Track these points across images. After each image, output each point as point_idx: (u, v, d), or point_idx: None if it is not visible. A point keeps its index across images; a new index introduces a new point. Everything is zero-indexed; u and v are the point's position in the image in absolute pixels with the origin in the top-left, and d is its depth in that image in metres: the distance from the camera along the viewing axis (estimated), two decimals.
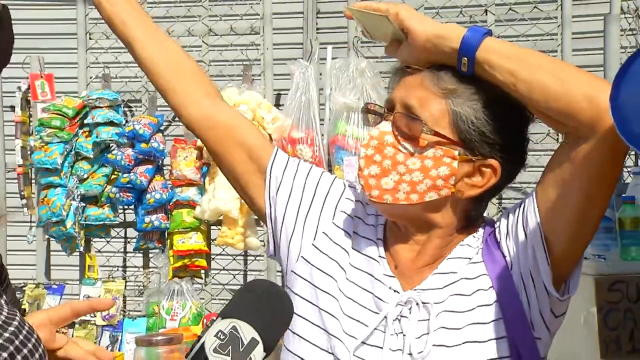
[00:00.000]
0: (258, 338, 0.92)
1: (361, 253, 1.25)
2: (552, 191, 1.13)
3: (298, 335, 1.22)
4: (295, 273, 1.27)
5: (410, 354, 1.15)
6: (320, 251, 1.26)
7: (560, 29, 2.91)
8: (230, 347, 0.90)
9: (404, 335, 1.17)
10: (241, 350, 0.91)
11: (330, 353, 1.18)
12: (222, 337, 0.91)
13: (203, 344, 0.91)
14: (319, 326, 1.21)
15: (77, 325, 3.02)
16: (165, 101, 1.36)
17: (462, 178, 1.19)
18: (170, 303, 2.84)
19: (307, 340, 1.21)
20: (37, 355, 0.86)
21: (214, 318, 0.93)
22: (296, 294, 1.25)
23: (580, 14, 3.26)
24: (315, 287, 1.23)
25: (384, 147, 1.18)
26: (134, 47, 1.34)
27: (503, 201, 3.16)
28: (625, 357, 2.11)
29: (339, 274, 1.23)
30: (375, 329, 1.18)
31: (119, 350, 2.80)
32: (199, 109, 1.32)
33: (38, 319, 1.05)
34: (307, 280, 1.25)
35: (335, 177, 1.34)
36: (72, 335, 3.00)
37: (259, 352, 0.91)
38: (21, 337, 0.87)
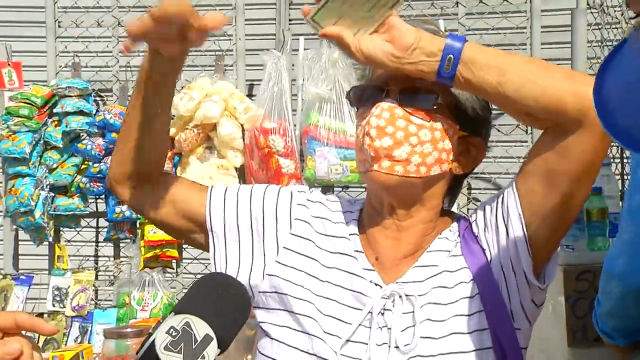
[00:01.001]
0: (212, 334, 0.88)
1: (333, 252, 1.22)
2: (535, 181, 1.14)
3: (276, 340, 1.20)
4: (262, 292, 1.24)
5: (397, 347, 1.14)
6: (285, 265, 1.24)
7: (529, 22, 2.92)
8: (182, 344, 0.87)
9: (389, 328, 1.15)
10: (194, 347, 0.87)
11: (312, 354, 1.16)
12: (174, 333, 0.87)
13: (154, 341, 0.87)
14: (297, 330, 1.18)
15: (45, 316, 2.97)
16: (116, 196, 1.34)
17: (458, 154, 1.22)
18: (141, 294, 2.79)
19: (286, 344, 1.19)
20: None
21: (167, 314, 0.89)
22: (269, 309, 1.22)
23: (549, 8, 3.28)
24: (285, 294, 1.21)
25: (396, 119, 1.18)
26: (153, 126, 1.25)
27: (473, 191, 3.17)
28: (592, 345, 2.13)
29: (310, 281, 1.21)
30: (359, 324, 1.16)
31: (89, 342, 2.75)
32: (147, 214, 1.32)
33: None
34: (275, 292, 1.22)
35: (280, 187, 1.31)
36: None
37: (212, 348, 0.88)
38: None
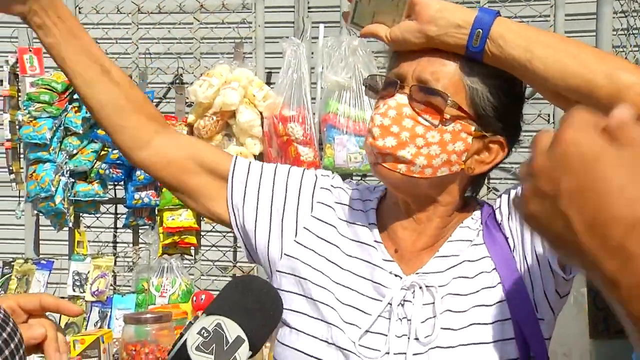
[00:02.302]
0: (244, 336, 0.86)
1: (354, 240, 1.19)
2: None
3: (295, 329, 1.17)
4: (280, 272, 1.21)
5: (417, 339, 1.10)
6: (305, 247, 1.20)
7: (553, 10, 2.85)
8: (214, 345, 0.85)
9: (408, 320, 1.12)
10: (225, 348, 0.85)
11: (330, 343, 1.13)
12: (205, 334, 0.85)
13: (185, 341, 0.85)
14: (316, 317, 1.15)
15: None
16: (113, 142, 1.28)
17: (473, 155, 1.15)
18: (159, 280, 2.79)
19: (304, 333, 1.15)
20: (16, 340, 0.80)
21: (198, 314, 0.88)
22: (286, 291, 1.19)
23: None
24: (305, 279, 1.18)
25: (402, 119, 1.13)
26: (75, 83, 1.24)
27: (492, 181, 3.12)
28: (613, 336, 2.10)
29: (330, 267, 1.17)
30: (379, 315, 1.12)
31: (108, 327, 2.75)
32: (150, 150, 1.26)
33: (7, 304, 0.98)
34: (294, 275, 1.19)
35: (304, 169, 1.28)
36: None
37: (244, 351, 0.86)
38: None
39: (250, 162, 1.28)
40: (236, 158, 1.28)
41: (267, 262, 1.24)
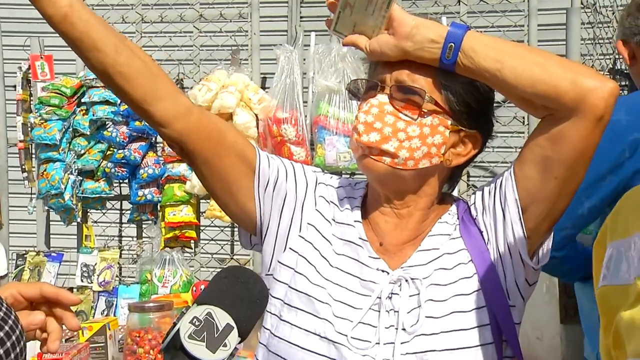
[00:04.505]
0: (233, 324, 0.87)
1: (342, 239, 1.20)
2: (531, 168, 1.12)
3: (288, 322, 1.17)
4: (281, 263, 1.20)
5: (404, 329, 1.12)
6: (306, 240, 1.20)
7: (527, 20, 2.88)
8: (205, 333, 0.86)
9: (396, 311, 1.13)
10: (216, 336, 0.86)
11: (323, 337, 1.13)
12: (197, 323, 0.86)
13: (178, 330, 0.86)
14: (308, 312, 1.16)
15: (75, 290, 2.97)
16: (146, 116, 1.13)
17: (450, 148, 1.18)
18: (162, 271, 2.79)
19: (297, 327, 1.16)
20: (17, 332, 0.79)
21: (189, 305, 0.89)
22: (282, 282, 1.19)
23: (545, 7, 3.23)
24: (300, 274, 1.18)
25: (384, 115, 1.15)
26: (105, 52, 1.08)
27: (471, 179, 3.14)
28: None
29: (321, 262, 1.18)
30: (369, 308, 1.14)
31: (114, 315, 2.76)
32: (191, 119, 1.14)
33: (9, 292, 0.97)
34: (292, 269, 1.19)
35: (303, 166, 1.26)
36: None
37: (233, 337, 0.87)
38: (1, 314, 0.79)
39: (267, 154, 1.23)
40: (257, 147, 1.23)
41: (271, 250, 1.21)
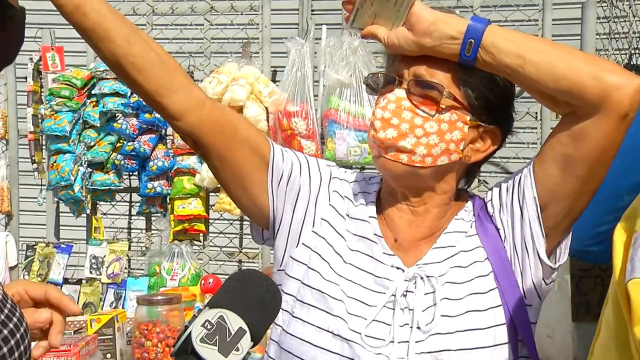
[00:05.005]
0: (245, 328, 0.85)
1: (356, 235, 1.17)
2: (552, 165, 1.08)
3: (300, 319, 1.13)
4: (293, 258, 1.17)
5: (419, 327, 1.08)
6: (319, 236, 1.17)
7: (541, 14, 2.83)
8: (217, 336, 0.84)
9: (410, 310, 1.10)
10: (228, 340, 0.84)
11: (336, 335, 1.10)
12: (209, 326, 0.84)
13: (190, 334, 0.84)
14: (322, 309, 1.12)
15: (84, 282, 2.97)
16: (159, 109, 1.10)
17: (468, 144, 1.14)
18: (170, 264, 2.78)
19: (310, 324, 1.12)
20: (22, 330, 0.77)
21: (202, 308, 0.86)
22: (290, 276, 1.16)
23: (560, 2, 3.18)
24: (314, 270, 1.15)
25: (402, 111, 1.12)
26: (118, 42, 1.06)
27: (482, 174, 3.10)
28: (594, 320, 2.09)
29: (335, 258, 1.15)
30: (383, 306, 1.11)
31: (123, 307, 2.75)
32: (204, 112, 1.10)
33: (15, 289, 0.96)
34: (305, 265, 1.16)
35: (318, 160, 1.23)
36: (79, 292, 2.94)
37: (246, 341, 0.85)
38: (6, 311, 0.77)
39: (281, 147, 1.20)
40: (270, 140, 1.19)
41: (284, 245, 1.18)
